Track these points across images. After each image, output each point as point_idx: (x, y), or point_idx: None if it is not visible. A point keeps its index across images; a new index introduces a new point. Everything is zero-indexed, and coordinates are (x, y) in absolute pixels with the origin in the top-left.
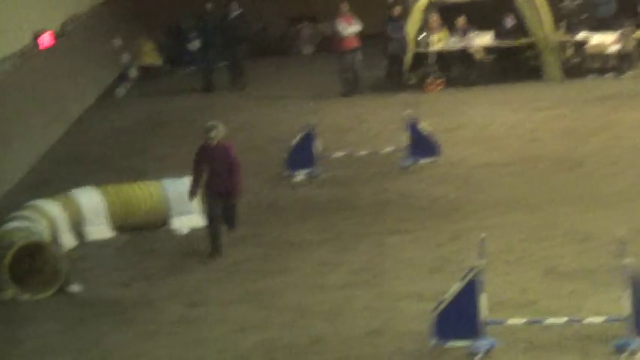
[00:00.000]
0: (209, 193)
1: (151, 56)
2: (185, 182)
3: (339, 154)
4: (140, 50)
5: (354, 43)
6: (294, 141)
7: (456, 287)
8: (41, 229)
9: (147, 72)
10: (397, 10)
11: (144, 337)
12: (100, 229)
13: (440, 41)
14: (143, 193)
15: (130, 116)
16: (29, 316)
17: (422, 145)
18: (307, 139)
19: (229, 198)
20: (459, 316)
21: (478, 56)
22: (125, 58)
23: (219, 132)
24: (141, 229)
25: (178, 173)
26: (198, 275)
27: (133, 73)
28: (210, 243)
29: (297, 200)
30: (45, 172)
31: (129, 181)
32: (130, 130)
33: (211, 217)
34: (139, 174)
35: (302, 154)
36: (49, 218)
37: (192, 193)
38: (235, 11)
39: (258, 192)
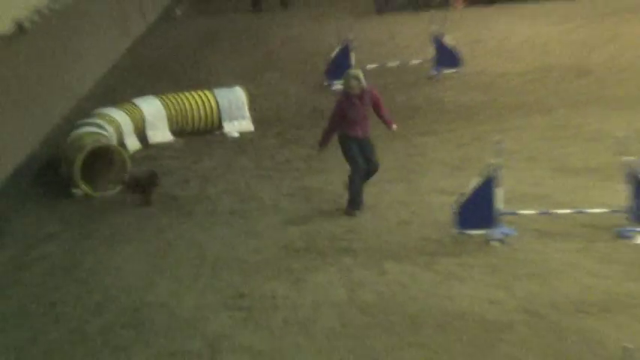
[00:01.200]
0: (346, 139)
1: None
2: (236, 91)
3: (372, 65)
4: None
5: None
6: (333, 54)
7: (475, 183)
8: (109, 134)
9: None
10: None
11: (201, 228)
12: (160, 134)
13: None
14: (198, 101)
15: (186, 33)
16: (100, 210)
17: (446, 57)
18: (344, 52)
19: (367, 140)
20: (478, 208)
21: None
22: None
23: (360, 82)
24: (197, 133)
25: (230, 83)
26: (250, 173)
27: None
28: (351, 195)
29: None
30: (111, 82)
31: (186, 90)
32: (186, 45)
33: (355, 170)
34: (196, 84)
35: (340, 66)
36: (115, 124)
37: (324, 143)
38: None
39: (303, 98)
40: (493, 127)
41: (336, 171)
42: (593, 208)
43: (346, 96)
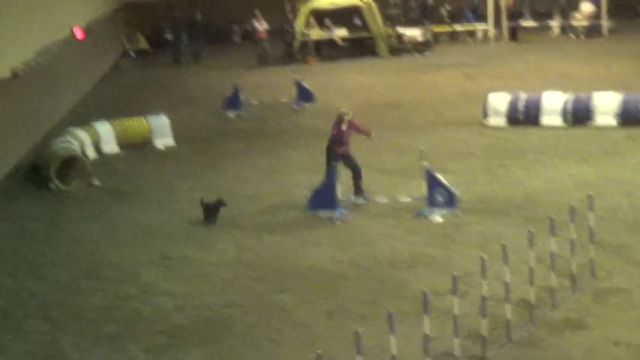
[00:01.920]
0: (335, 156)
1: (143, 43)
2: (162, 118)
3: (255, 101)
4: (136, 39)
5: (265, 35)
6: (228, 94)
7: (322, 179)
8: (75, 146)
9: (140, 53)
10: (290, 15)
11: (138, 210)
12: (110, 146)
13: (316, 33)
14: (136, 124)
15: (129, 79)
16: (69, 199)
17: (305, 95)
18: (236, 93)
19: (348, 155)
20: (325, 196)
21: (339, 42)
22: (127, 44)
23: (348, 115)
24: (135, 146)
25: (158, 112)
26: (172, 174)
27: (132, 53)
28: (356, 186)
29: (230, 128)
30: (79, 111)
31: (128, 116)
32: (130, 88)
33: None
34: (135, 113)
35: (233, 101)
36: (79, 139)
37: (331, 166)
38: (198, 17)
39: (208, 123)
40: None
41: (228, 170)
42: (402, 197)
43: (338, 130)
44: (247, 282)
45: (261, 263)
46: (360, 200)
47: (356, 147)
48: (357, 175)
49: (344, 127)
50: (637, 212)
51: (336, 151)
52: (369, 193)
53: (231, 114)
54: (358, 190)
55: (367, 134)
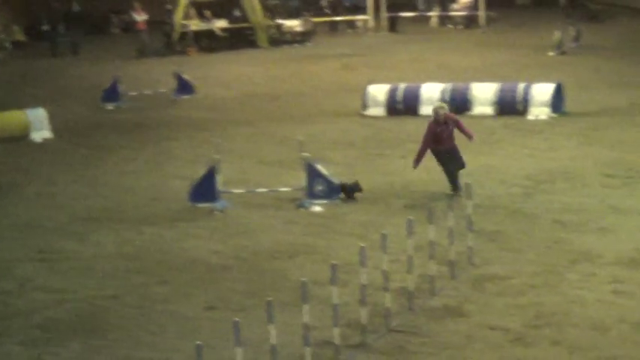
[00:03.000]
0: (439, 154)
1: (19, 35)
2: (40, 111)
3: (134, 93)
4: (12, 31)
5: (144, 26)
6: (107, 86)
7: (203, 171)
8: None
9: (17, 45)
10: (169, 6)
11: (15, 203)
12: None
13: (195, 25)
14: (13, 117)
15: (6, 72)
16: None
17: (184, 87)
18: (114, 84)
19: (453, 151)
20: (205, 188)
21: (219, 33)
22: (3, 35)
23: (446, 110)
24: (15, 139)
25: (36, 105)
26: (52, 166)
27: (8, 45)
28: (451, 184)
29: (109, 120)
30: None
31: (5, 110)
32: (6, 80)
33: (448, 169)
34: (12, 106)
35: (112, 93)
36: None
37: (417, 162)
38: (75, 7)
39: (86, 115)
40: (217, 134)
41: (109, 162)
42: (282, 187)
43: (435, 123)
44: (126, 274)
45: (141, 256)
46: (459, 193)
47: (235, 137)
48: (458, 167)
49: (437, 127)
50: (513, 200)
51: (439, 148)
52: (249, 188)
53: (110, 106)
54: (454, 186)
55: (470, 137)
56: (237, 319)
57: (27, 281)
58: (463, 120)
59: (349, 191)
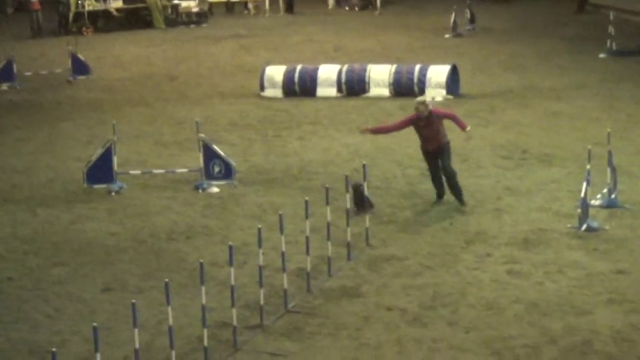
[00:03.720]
0: (425, 154)
1: None
2: None
3: (29, 73)
4: None
5: (38, 6)
6: (0, 66)
7: (98, 152)
8: None
9: None
10: None
11: None
12: None
13: (90, 4)
14: None
15: None
16: None
17: (80, 67)
18: (9, 64)
19: (440, 153)
20: (101, 169)
21: (114, 14)
22: None
23: (427, 106)
24: None
25: None
26: None
27: None
28: (436, 190)
29: (3, 101)
30: None
31: None
32: None
33: (433, 174)
34: None
35: (6, 73)
36: None
37: (372, 130)
38: None
39: None
40: (113, 115)
41: (4, 145)
42: (179, 169)
43: (415, 117)
44: (22, 257)
45: (37, 237)
46: (464, 206)
47: (131, 118)
48: (446, 177)
49: (425, 121)
50: (409, 181)
51: (426, 149)
52: (146, 170)
53: (4, 86)
54: (438, 192)
55: (462, 127)
56: (134, 300)
57: None
58: (360, 101)
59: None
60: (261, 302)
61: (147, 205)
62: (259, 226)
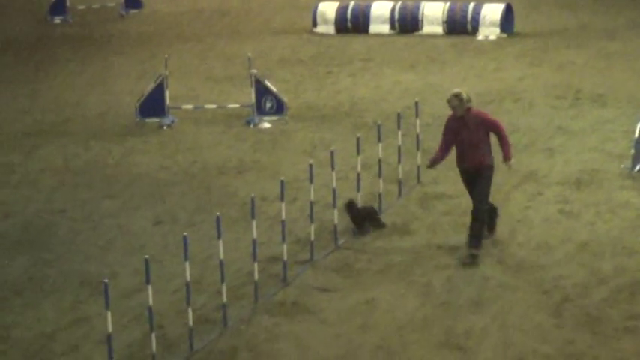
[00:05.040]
0: (460, 170)
1: None
2: None
3: (81, 7)
4: None
5: None
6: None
7: (150, 86)
8: None
9: None
10: None
11: None
12: None
13: None
14: None
15: None
16: None
17: (132, 1)
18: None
19: (478, 174)
20: (154, 103)
21: None
22: None
23: (462, 101)
24: None
25: None
26: None
27: None
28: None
29: (56, 35)
30: None
31: None
32: None
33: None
34: None
35: (58, 7)
36: None
37: (431, 162)
38: None
39: (31, 28)
40: (163, 50)
41: (56, 78)
42: (230, 104)
43: (452, 118)
44: (74, 189)
45: (89, 170)
46: (472, 255)
47: (183, 53)
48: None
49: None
50: None
51: (457, 163)
52: (198, 104)
53: (57, 20)
54: (477, 234)
55: (506, 157)
56: (185, 233)
57: None
58: (413, 38)
59: (360, 219)
60: (312, 238)
61: (198, 140)
62: (310, 162)
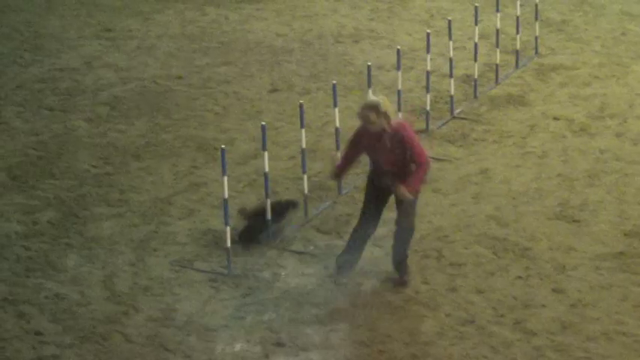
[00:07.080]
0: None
1: None
2: None
3: None
4: None
5: None
6: None
7: None
8: None
9: None
10: None
11: None
12: None
13: None
14: None
15: None
16: None
17: None
18: None
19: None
20: None
21: None
22: None
23: (378, 116)
24: None
25: None
26: None
27: None
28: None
29: None
30: None
31: None
32: None
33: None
34: None
35: None
36: None
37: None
38: None
39: None
40: None
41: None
42: None
43: (362, 131)
44: (190, 54)
45: (205, 36)
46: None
47: None
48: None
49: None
50: None
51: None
52: None
53: None
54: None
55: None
56: (301, 101)
57: (93, 59)
58: None
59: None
60: (428, 107)
61: (314, 7)
62: (427, 30)
